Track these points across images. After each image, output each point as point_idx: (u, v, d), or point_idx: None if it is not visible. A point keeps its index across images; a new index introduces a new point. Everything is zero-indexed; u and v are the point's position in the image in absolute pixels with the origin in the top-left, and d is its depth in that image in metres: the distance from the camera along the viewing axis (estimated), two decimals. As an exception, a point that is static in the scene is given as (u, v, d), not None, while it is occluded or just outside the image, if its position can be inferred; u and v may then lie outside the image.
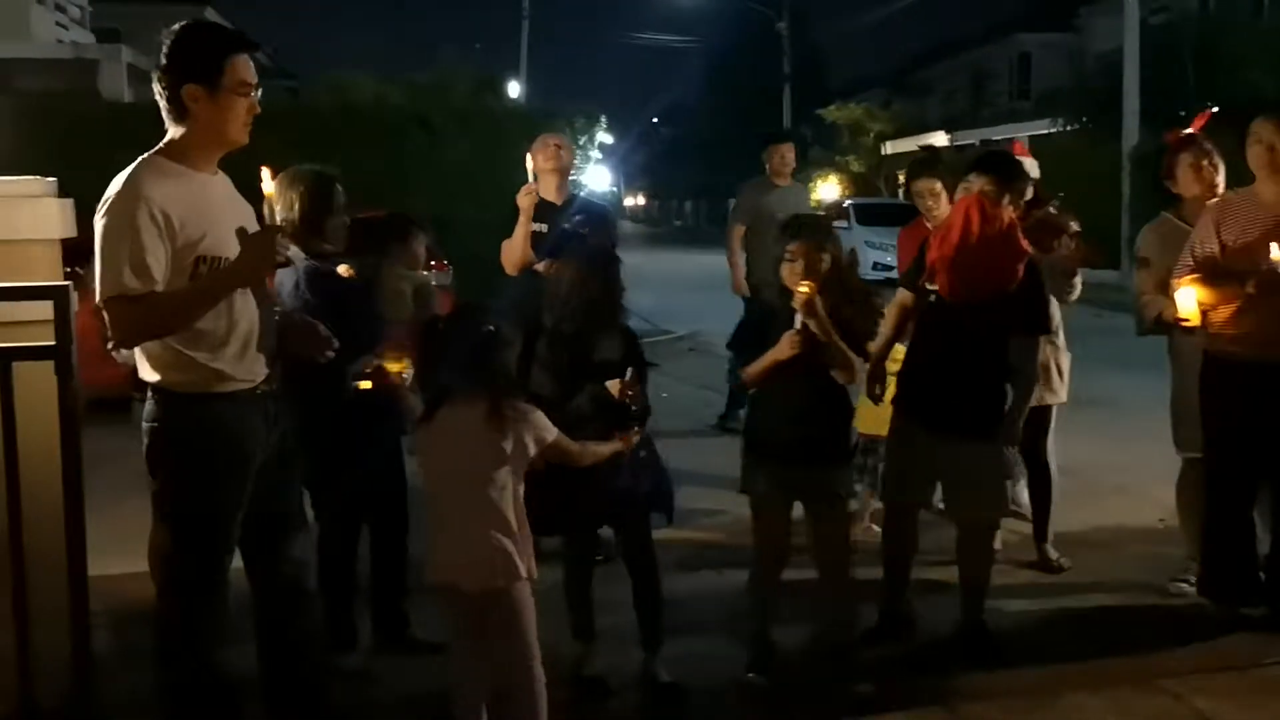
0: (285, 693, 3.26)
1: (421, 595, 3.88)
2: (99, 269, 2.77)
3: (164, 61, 2.87)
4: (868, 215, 21.21)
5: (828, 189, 32.64)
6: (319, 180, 3.87)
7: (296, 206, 3.75)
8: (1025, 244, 3.91)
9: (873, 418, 4.60)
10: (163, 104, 2.90)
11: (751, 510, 3.87)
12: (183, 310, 2.84)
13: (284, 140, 4.72)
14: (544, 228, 5.16)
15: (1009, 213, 3.97)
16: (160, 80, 2.89)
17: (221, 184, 3.04)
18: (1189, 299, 4.04)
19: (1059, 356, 4.89)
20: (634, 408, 3.55)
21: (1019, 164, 4.31)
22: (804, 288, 3.52)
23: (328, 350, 3.22)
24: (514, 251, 5.10)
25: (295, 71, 36.37)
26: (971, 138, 30.81)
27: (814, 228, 3.79)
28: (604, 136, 19.58)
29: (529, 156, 5.19)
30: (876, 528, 4.80)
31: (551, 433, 3.11)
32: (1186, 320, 4.05)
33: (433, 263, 4.85)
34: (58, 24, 24.35)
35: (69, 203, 3.52)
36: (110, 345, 2.93)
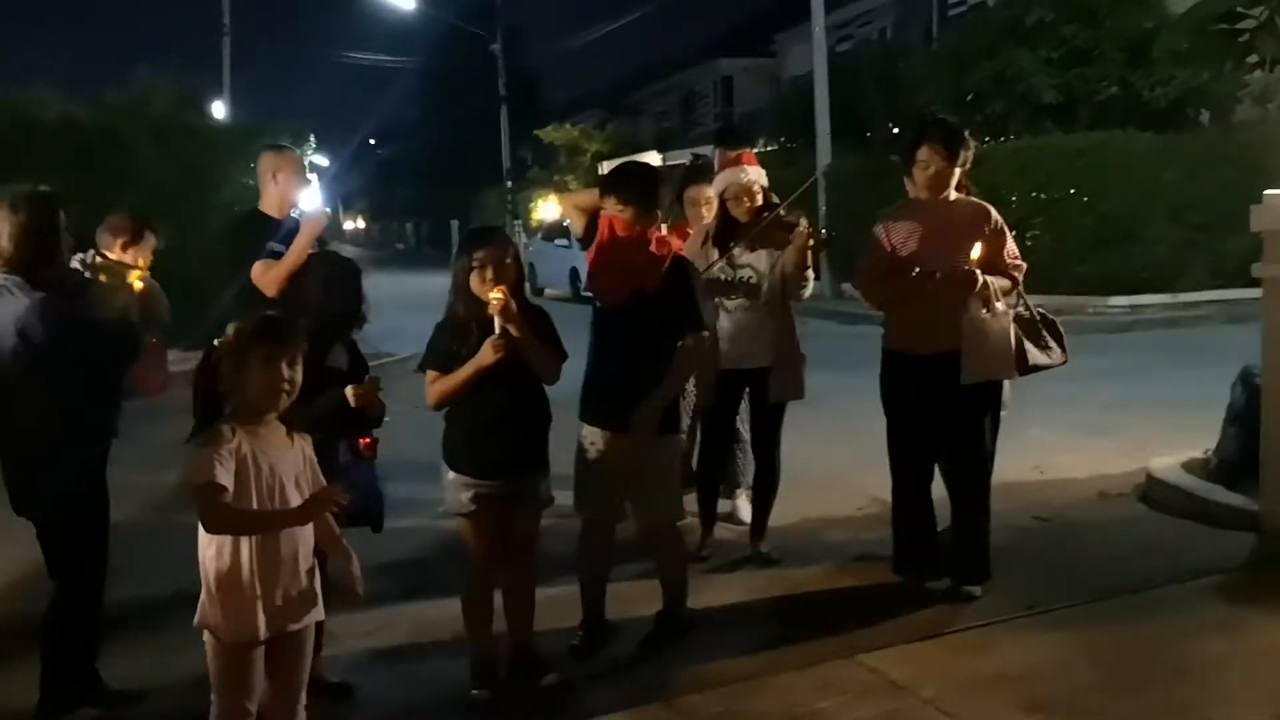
0: None
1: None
2: None
3: None
4: (589, 233, 21.61)
5: (548, 208, 33.07)
6: (42, 202, 3.60)
7: (13, 233, 3.49)
8: (662, 249, 4.05)
9: None
10: None
11: (460, 528, 3.87)
12: None
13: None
14: (283, 249, 4.56)
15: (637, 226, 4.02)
16: None
17: None
18: None
19: (794, 355, 5.06)
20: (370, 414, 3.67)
21: (651, 177, 4.39)
22: (497, 293, 3.59)
23: None
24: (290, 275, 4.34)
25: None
26: (683, 156, 31.98)
27: (496, 235, 3.85)
28: (317, 157, 18.98)
29: (279, 176, 4.65)
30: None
31: None
32: None
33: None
34: None
35: None
36: None
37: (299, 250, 4.30)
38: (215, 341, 2.89)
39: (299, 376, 2.89)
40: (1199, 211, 15.80)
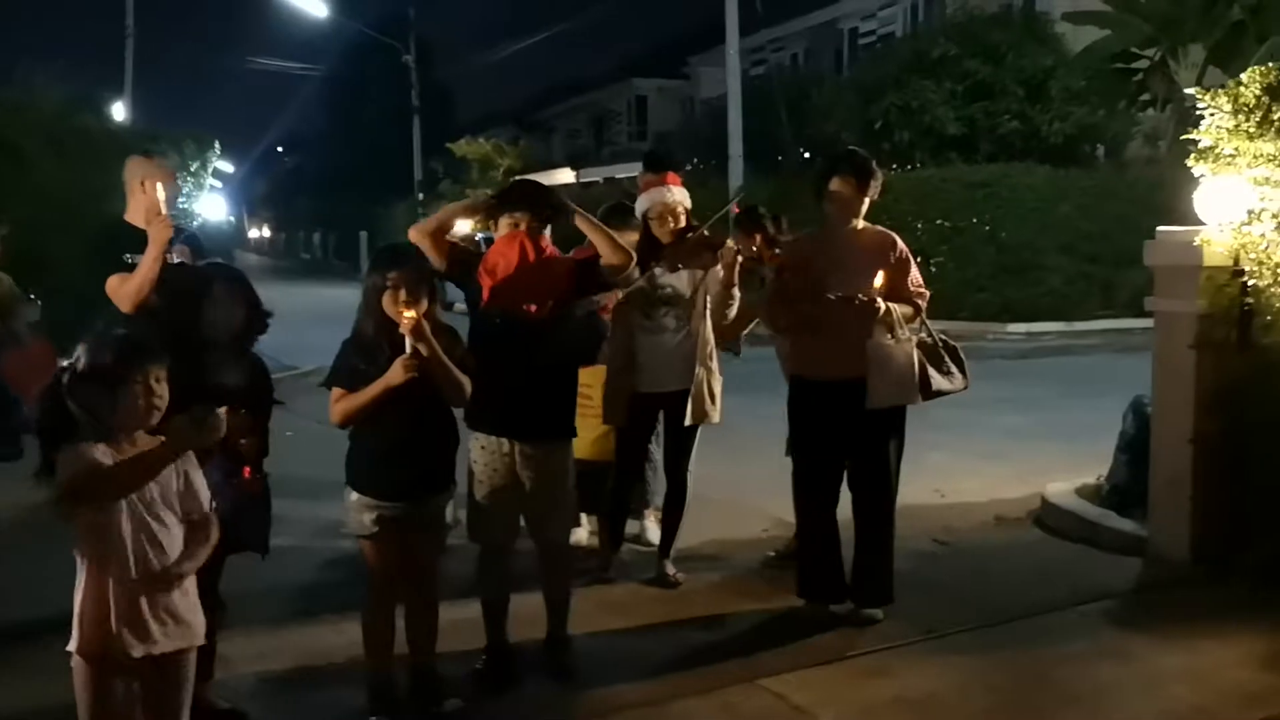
0: None
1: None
2: None
3: None
4: (500, 248, 21.51)
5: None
6: None
7: None
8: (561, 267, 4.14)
9: (585, 444, 4.84)
10: None
11: (363, 549, 3.78)
12: None
13: None
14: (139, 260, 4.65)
15: (546, 241, 4.14)
16: None
17: None
18: None
19: (712, 379, 5.06)
20: (243, 443, 3.45)
21: (552, 194, 4.30)
22: (410, 313, 3.53)
23: None
24: (143, 288, 4.19)
25: None
26: (596, 175, 32.09)
27: (411, 256, 3.78)
28: (221, 164, 18.54)
29: (147, 184, 4.43)
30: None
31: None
32: None
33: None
34: None
35: None
36: None
37: (148, 264, 4.10)
38: (64, 364, 2.77)
39: (164, 391, 2.78)
40: (1092, 244, 16.39)
